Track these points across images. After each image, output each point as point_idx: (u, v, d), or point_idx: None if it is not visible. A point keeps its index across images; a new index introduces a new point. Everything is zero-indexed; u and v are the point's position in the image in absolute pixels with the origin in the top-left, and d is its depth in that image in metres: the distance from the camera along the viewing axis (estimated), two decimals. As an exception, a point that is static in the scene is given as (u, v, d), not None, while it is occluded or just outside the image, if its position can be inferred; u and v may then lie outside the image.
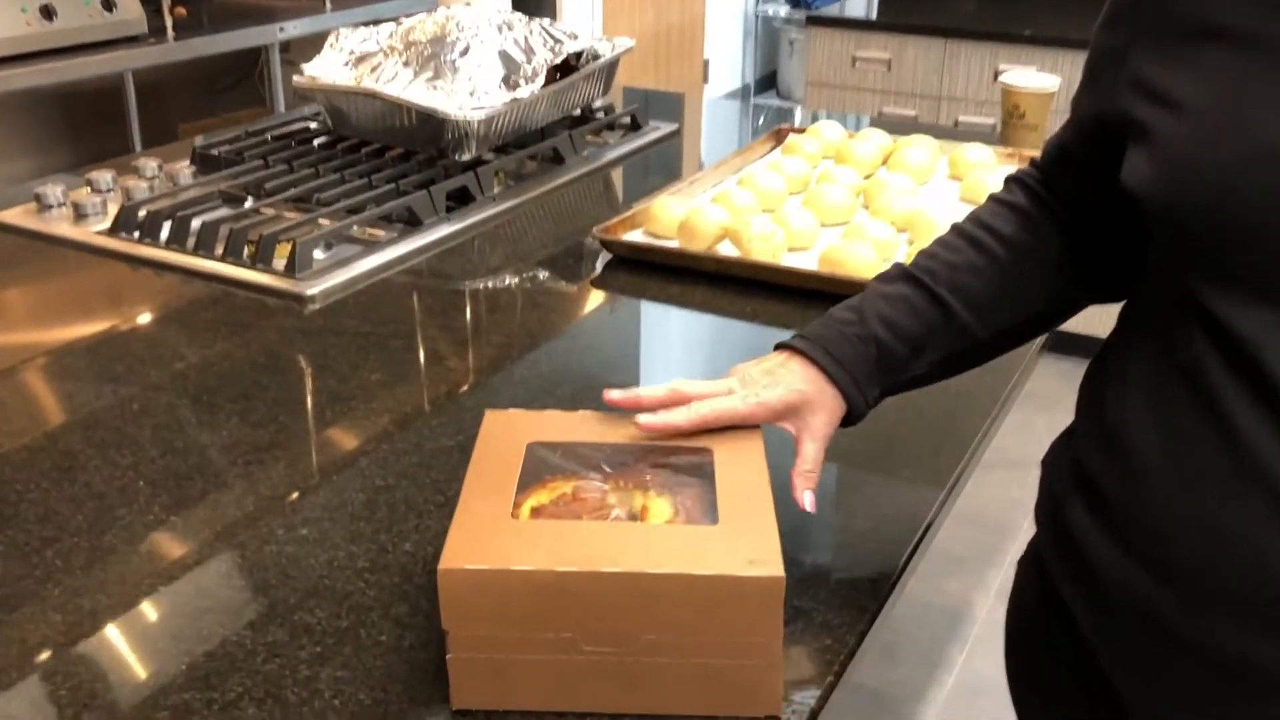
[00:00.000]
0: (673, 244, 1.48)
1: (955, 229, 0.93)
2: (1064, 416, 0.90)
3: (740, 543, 0.75)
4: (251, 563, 0.91)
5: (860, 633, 0.85)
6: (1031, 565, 0.94)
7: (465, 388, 1.19)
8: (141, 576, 0.89)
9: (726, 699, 0.75)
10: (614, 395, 0.89)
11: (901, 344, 0.89)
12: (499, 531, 0.75)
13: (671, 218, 1.50)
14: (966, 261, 0.90)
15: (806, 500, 0.86)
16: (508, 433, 0.87)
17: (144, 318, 1.38)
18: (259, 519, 0.96)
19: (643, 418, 0.86)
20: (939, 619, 2.40)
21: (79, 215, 1.60)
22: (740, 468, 0.83)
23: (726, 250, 1.46)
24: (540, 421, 0.89)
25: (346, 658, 0.81)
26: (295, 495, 1.00)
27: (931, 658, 2.29)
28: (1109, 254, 0.90)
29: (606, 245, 1.50)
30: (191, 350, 1.27)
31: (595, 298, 1.43)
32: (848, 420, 0.91)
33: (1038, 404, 2.24)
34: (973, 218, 0.93)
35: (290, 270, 1.41)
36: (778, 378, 0.88)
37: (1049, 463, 0.90)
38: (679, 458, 0.87)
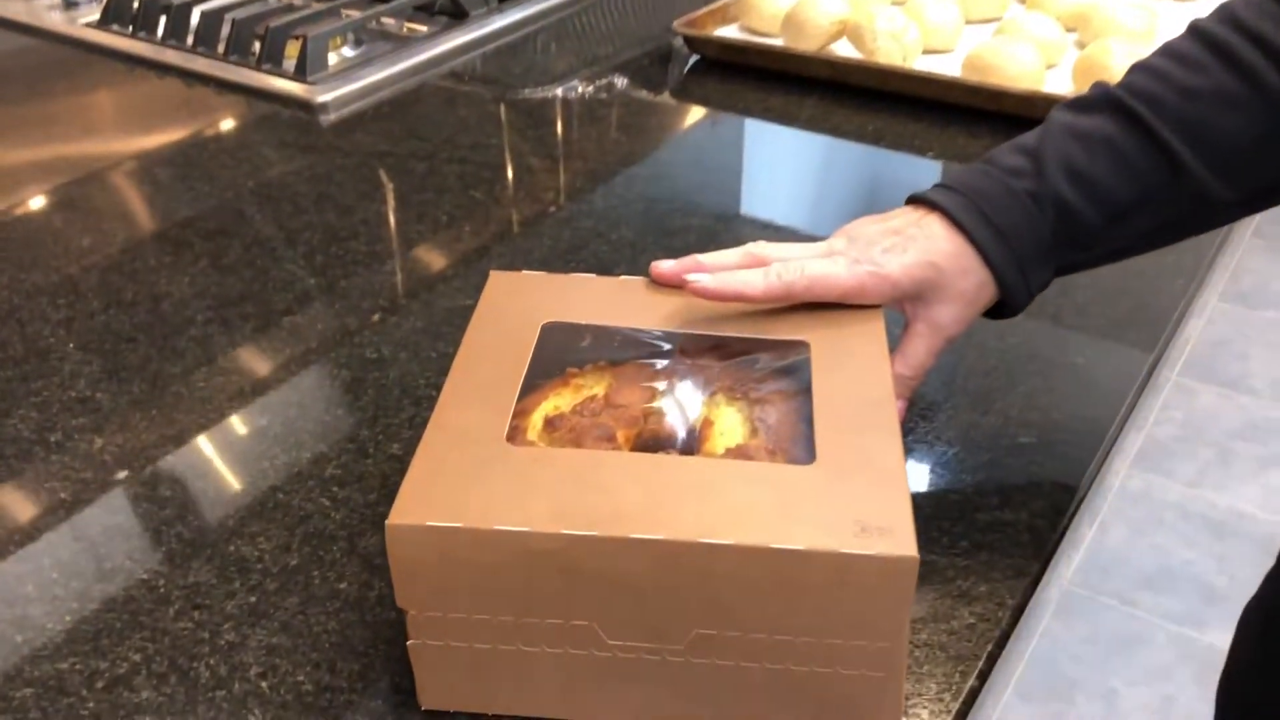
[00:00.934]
0: (776, 42, 1.17)
1: (1195, 32, 0.61)
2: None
3: (848, 494, 0.48)
4: (184, 464, 0.68)
5: (1014, 609, 0.58)
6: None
7: (495, 230, 0.93)
8: (31, 481, 0.67)
9: (816, 718, 0.51)
10: (664, 266, 0.62)
11: (1097, 209, 0.60)
12: (484, 464, 0.50)
13: (775, 8, 1.19)
14: (1213, 86, 0.58)
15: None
16: (517, 304, 0.61)
17: (124, 130, 1.14)
18: (206, 401, 0.73)
19: (696, 277, 0.60)
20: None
21: (68, 2, 1.34)
22: (849, 370, 0.56)
23: (844, 50, 1.15)
24: (564, 290, 0.63)
25: (289, 615, 0.58)
26: (258, 369, 0.76)
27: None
28: None
29: (692, 43, 1.20)
30: (167, 172, 1.02)
31: (676, 112, 1.13)
32: (997, 311, 0.63)
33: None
34: (1225, 16, 0.60)
35: (301, 71, 1.15)
36: (906, 241, 0.60)
37: None
38: (759, 351, 0.60)
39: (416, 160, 1.03)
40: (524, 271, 0.64)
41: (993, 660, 0.56)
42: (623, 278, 0.64)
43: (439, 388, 0.72)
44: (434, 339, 0.79)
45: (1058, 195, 0.59)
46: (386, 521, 0.47)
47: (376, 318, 0.81)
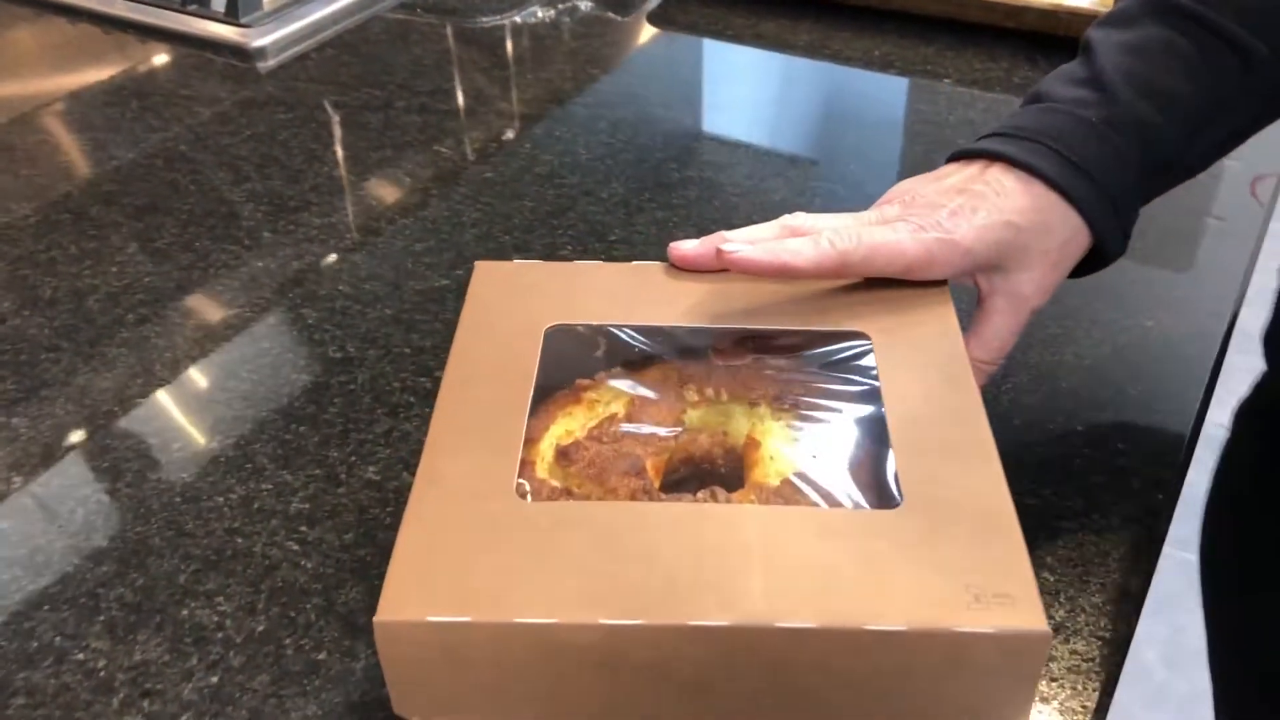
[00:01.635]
0: (763, -41, 1.05)
1: None
2: None
3: (950, 549, 0.39)
4: (122, 506, 0.57)
5: (1120, 640, 0.50)
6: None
7: (467, 193, 0.81)
8: (-47, 532, 0.56)
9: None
10: (686, 247, 0.51)
11: (1177, 124, 0.51)
12: (492, 529, 0.40)
13: (761, -80, 1.07)
14: None
15: None
16: (511, 304, 0.50)
17: (30, 87, 1.00)
18: (145, 422, 0.62)
19: (734, 246, 0.49)
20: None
21: (-39, -58, 1.19)
22: (921, 370, 0.46)
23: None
24: (566, 282, 0.52)
25: (259, 700, 0.48)
26: (203, 378, 0.65)
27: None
28: None
29: (670, -36, 1.07)
30: (83, 138, 0.89)
31: (659, 43, 1.01)
32: (1089, 264, 0.53)
33: None
34: None
35: (232, 12, 1.02)
36: (974, 199, 0.50)
37: None
38: (807, 347, 0.50)
39: (371, 111, 0.90)
40: (515, 261, 0.54)
41: (1105, 712, 0.47)
42: (635, 264, 0.53)
43: (417, 392, 0.61)
44: (406, 330, 0.68)
45: (1136, 116, 0.50)
46: (374, 619, 0.37)
47: (338, 307, 0.70)
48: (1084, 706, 0.46)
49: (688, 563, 0.38)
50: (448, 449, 0.43)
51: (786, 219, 0.52)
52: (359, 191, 0.81)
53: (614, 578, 0.38)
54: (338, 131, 0.89)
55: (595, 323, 0.50)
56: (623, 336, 0.50)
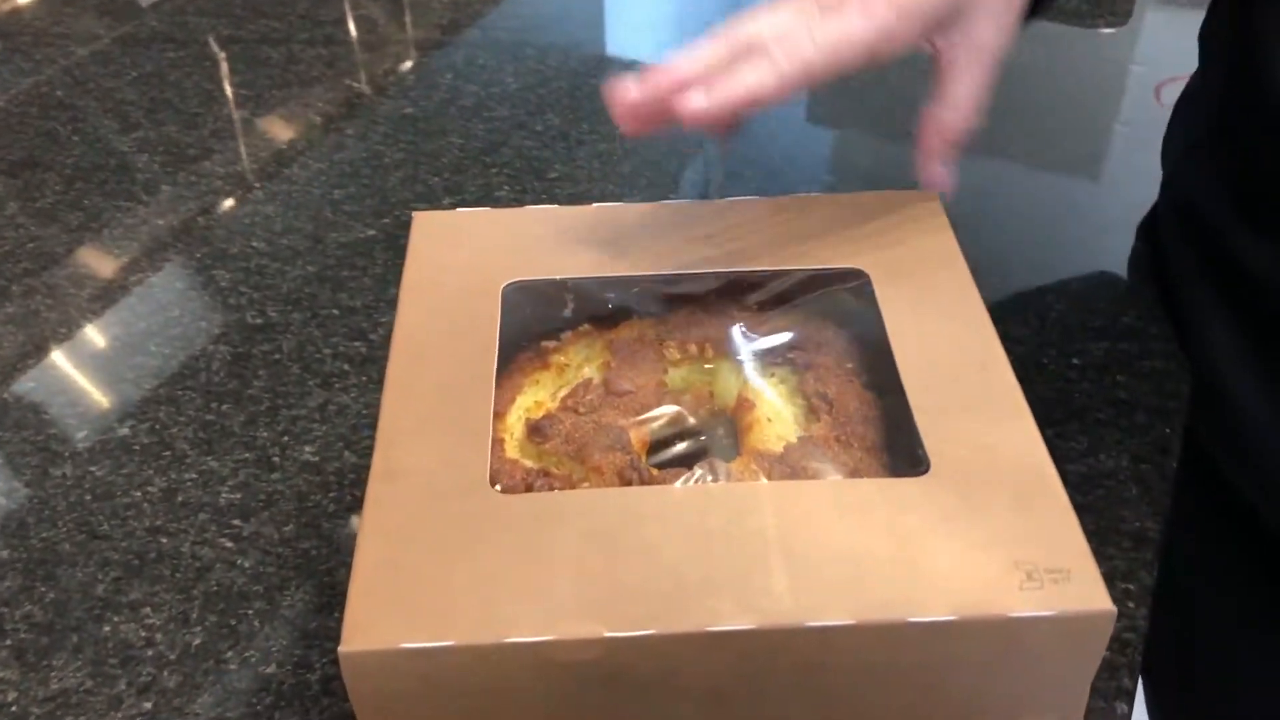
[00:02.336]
0: None
1: None
2: None
3: (992, 520, 0.34)
4: (24, 508, 0.50)
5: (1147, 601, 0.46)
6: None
7: (386, 131, 0.74)
8: None
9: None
10: (632, 94, 0.42)
11: None
12: (467, 531, 0.34)
13: None
14: None
15: (931, 179, 0.46)
16: (460, 259, 0.44)
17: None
18: (39, 410, 0.55)
19: (692, 97, 0.41)
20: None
21: None
22: (931, 312, 0.42)
23: None
24: (519, 231, 0.46)
25: (200, 723, 0.42)
26: (106, 356, 0.58)
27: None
28: None
29: None
30: (-52, 85, 0.80)
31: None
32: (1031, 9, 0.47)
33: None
34: None
35: (105, -60, 0.92)
36: None
37: None
38: (797, 291, 0.45)
39: (270, 46, 0.82)
40: (459, 210, 0.47)
41: (1136, 672, 0.43)
42: (597, 206, 0.47)
43: (351, 358, 0.55)
44: (333, 289, 0.61)
45: None
46: (340, 649, 0.32)
47: (254, 266, 0.63)
48: (1115, 668, 0.43)
49: (697, 557, 0.33)
50: (404, 437, 0.37)
51: (728, 30, 0.44)
52: (265, 135, 0.74)
53: (614, 581, 0.33)
54: (235, 69, 0.80)
55: (559, 276, 0.44)
56: (591, 290, 0.44)
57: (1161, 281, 0.58)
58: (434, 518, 0.35)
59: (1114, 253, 0.62)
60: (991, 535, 0.34)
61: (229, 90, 0.78)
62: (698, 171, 0.69)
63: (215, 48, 0.82)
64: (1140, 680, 0.44)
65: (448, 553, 0.33)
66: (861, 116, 0.75)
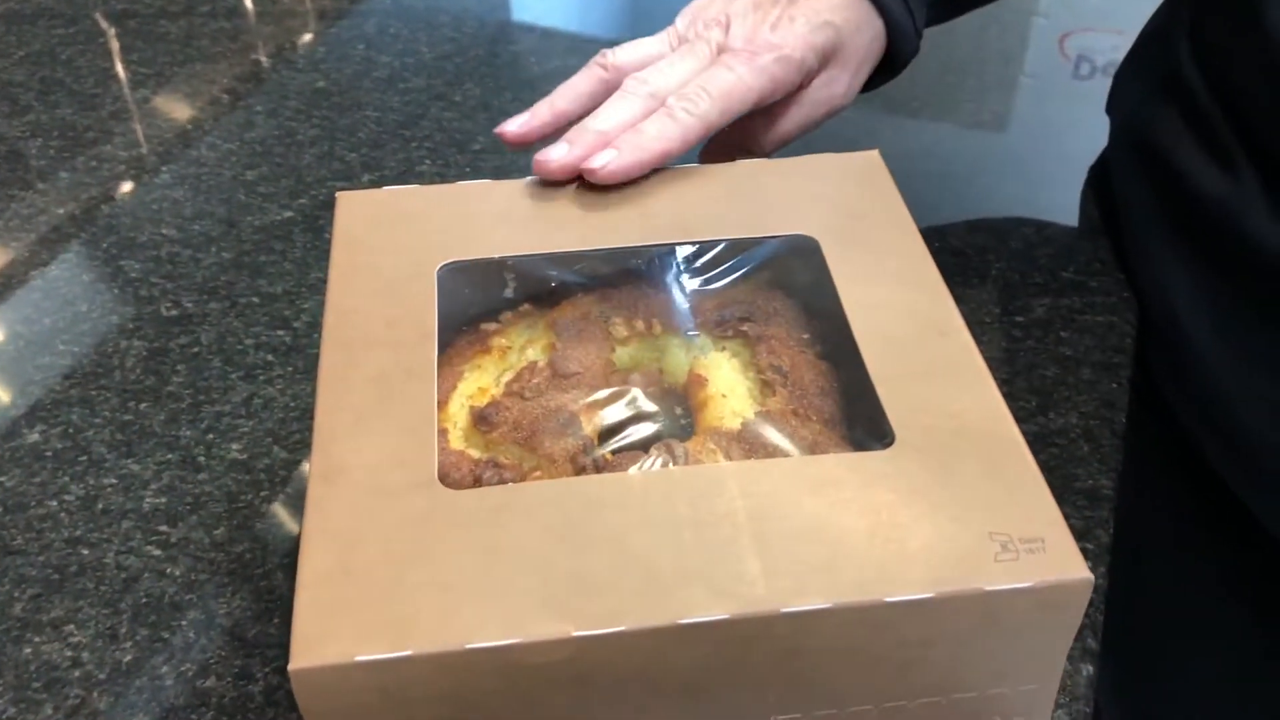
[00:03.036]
0: None
1: None
2: None
3: (962, 491, 0.33)
4: (-68, 523, 0.47)
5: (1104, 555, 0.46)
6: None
7: (297, 107, 0.71)
8: None
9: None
10: (510, 128, 0.48)
11: None
12: (418, 531, 0.32)
13: None
14: None
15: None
16: (390, 239, 0.42)
17: None
18: (-56, 418, 0.51)
19: (602, 159, 0.43)
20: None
21: None
22: (884, 276, 0.41)
23: None
24: (451, 208, 0.44)
25: (137, 745, 0.40)
26: (9, 358, 0.55)
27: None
28: None
29: None
30: None
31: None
32: (887, 67, 0.52)
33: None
34: None
35: (-19, -89, 0.86)
36: (788, 7, 0.48)
37: None
38: (745, 260, 0.43)
39: (168, 19, 0.78)
40: (385, 188, 0.45)
41: (1099, 632, 0.43)
42: (529, 180, 0.45)
43: (275, 348, 0.53)
44: (251, 276, 0.58)
45: None
46: (289, 667, 0.29)
47: (165, 254, 0.59)
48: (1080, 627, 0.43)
49: (665, 545, 0.32)
50: (343, 433, 0.35)
51: (599, 62, 0.49)
52: (168, 115, 0.70)
53: (579, 576, 0.31)
54: (132, 46, 0.76)
55: (496, 255, 0.42)
56: (531, 268, 0.42)
57: (1114, 231, 0.58)
58: (381, 518, 0.33)
59: (1040, 206, 0.62)
60: (963, 507, 0.33)
61: (126, 68, 0.74)
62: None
63: (108, 24, 0.78)
64: (1101, 638, 0.44)
65: (399, 555, 0.32)
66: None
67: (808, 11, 0.48)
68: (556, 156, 0.44)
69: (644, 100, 0.46)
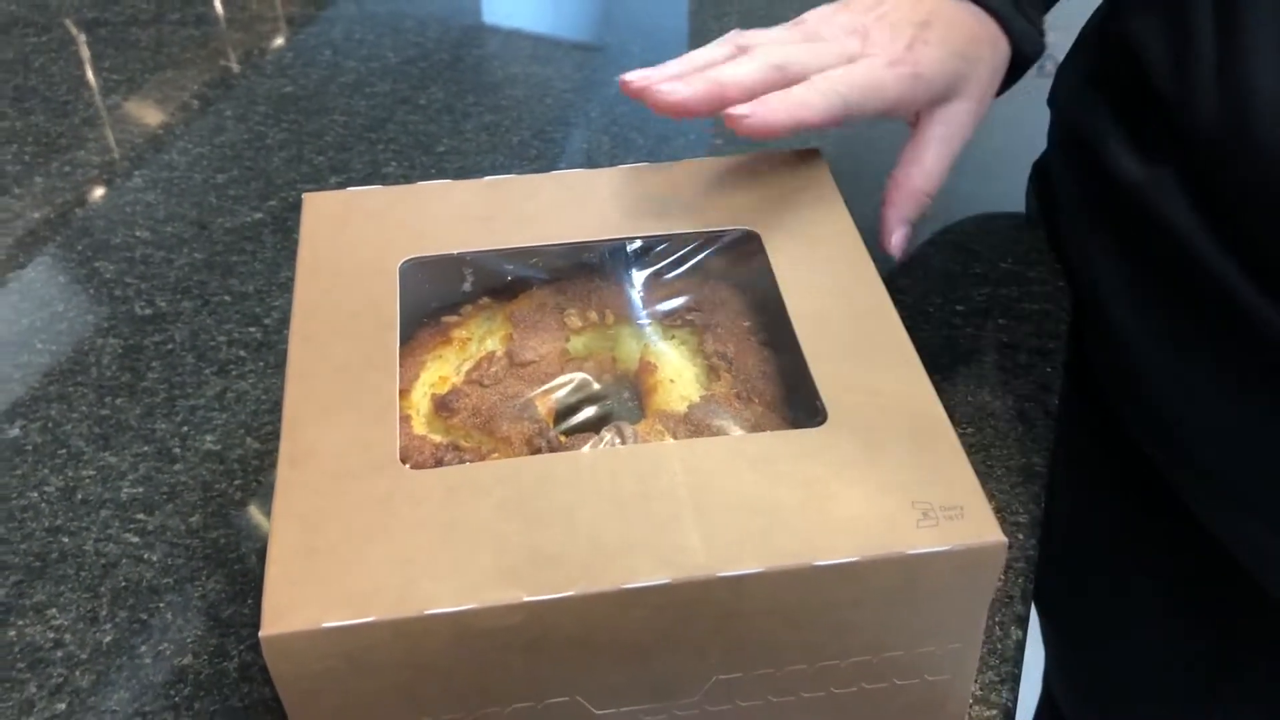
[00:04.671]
0: None
1: None
2: None
3: (887, 464, 0.36)
4: (-83, 516, 0.49)
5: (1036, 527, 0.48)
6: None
7: (266, 111, 0.73)
8: None
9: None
10: (676, 95, 0.44)
11: None
12: (381, 508, 0.35)
13: None
14: None
15: (896, 240, 0.49)
16: (355, 238, 0.44)
17: None
18: (-74, 415, 0.53)
19: (748, 109, 0.44)
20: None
21: None
22: (821, 268, 0.43)
23: None
24: (413, 207, 0.46)
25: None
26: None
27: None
28: None
29: None
30: None
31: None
32: (1013, 73, 0.52)
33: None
34: None
35: (-48, -78, 0.88)
36: (926, 31, 0.48)
37: None
38: (690, 253, 0.46)
39: (139, 27, 0.80)
40: (350, 189, 0.47)
41: (1029, 599, 0.46)
42: (489, 180, 0.47)
43: (246, 345, 0.55)
44: (223, 275, 0.60)
45: None
46: (260, 634, 0.32)
47: (138, 256, 0.61)
48: (1009, 596, 0.45)
49: (611, 518, 0.34)
50: (310, 420, 0.37)
51: (735, 40, 0.47)
52: (140, 121, 0.72)
53: (531, 547, 0.33)
54: (103, 53, 0.78)
55: (456, 251, 0.44)
56: (489, 264, 0.45)
57: (1052, 221, 0.61)
58: (346, 498, 0.35)
59: (984, 200, 0.65)
60: (889, 478, 0.35)
61: (98, 75, 0.76)
62: (585, 140, 0.70)
63: (79, 31, 0.80)
64: (1032, 606, 0.46)
65: (363, 531, 0.34)
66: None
67: (944, 38, 0.48)
68: (680, 91, 0.44)
69: (771, 71, 0.45)
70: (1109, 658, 0.62)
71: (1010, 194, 0.65)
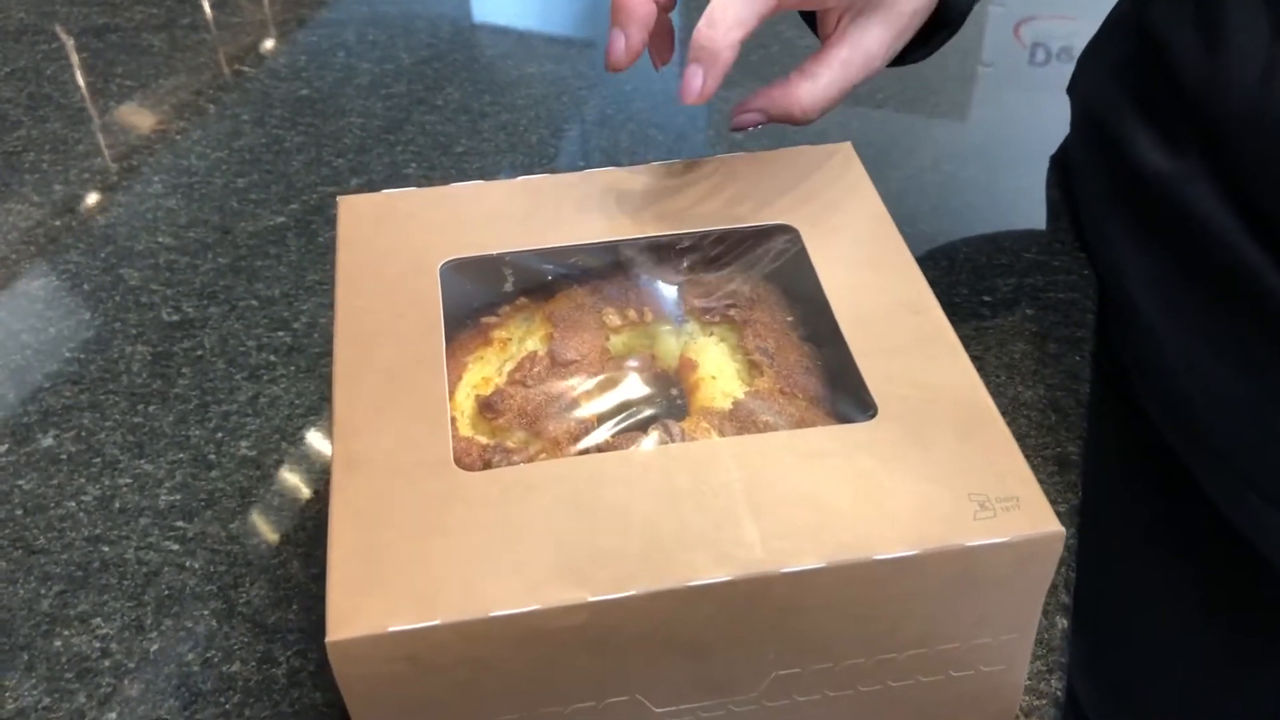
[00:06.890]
0: None
1: None
2: None
3: (942, 456, 0.36)
4: (-45, 528, 0.49)
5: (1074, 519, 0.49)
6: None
7: (283, 116, 0.73)
8: None
9: (917, 725, 0.40)
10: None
11: None
12: (438, 510, 0.35)
13: None
14: None
15: (744, 119, 0.47)
16: (393, 241, 0.44)
17: None
18: (-41, 427, 0.53)
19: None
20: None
21: None
22: (860, 262, 0.43)
23: None
24: (450, 209, 0.46)
25: (169, 728, 0.42)
26: (11, 363, 0.56)
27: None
28: None
29: None
30: None
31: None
32: (938, 24, 0.48)
33: None
34: None
35: (-43, -70, 0.87)
36: None
37: None
38: (728, 250, 0.46)
39: (150, 32, 0.79)
40: (384, 191, 0.47)
41: (1071, 588, 0.46)
42: (522, 180, 0.47)
43: (276, 349, 0.55)
44: (249, 280, 0.60)
45: None
46: (327, 639, 0.32)
47: (163, 262, 0.61)
48: (1053, 586, 0.45)
49: (668, 515, 0.34)
50: (362, 425, 0.37)
51: None
52: (158, 127, 0.72)
53: (591, 546, 0.33)
54: (116, 60, 0.78)
55: (494, 252, 0.44)
56: (528, 263, 0.45)
57: (1074, 211, 0.61)
58: (403, 501, 0.35)
59: (1004, 190, 0.65)
60: (942, 470, 0.35)
61: (111, 82, 0.75)
62: (603, 138, 0.70)
63: (92, 38, 0.79)
64: (1073, 594, 0.47)
65: (421, 534, 0.34)
66: (755, 75, 0.76)
67: None
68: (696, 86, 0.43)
69: None
70: (1132, 651, 0.63)
71: (1030, 183, 0.65)
